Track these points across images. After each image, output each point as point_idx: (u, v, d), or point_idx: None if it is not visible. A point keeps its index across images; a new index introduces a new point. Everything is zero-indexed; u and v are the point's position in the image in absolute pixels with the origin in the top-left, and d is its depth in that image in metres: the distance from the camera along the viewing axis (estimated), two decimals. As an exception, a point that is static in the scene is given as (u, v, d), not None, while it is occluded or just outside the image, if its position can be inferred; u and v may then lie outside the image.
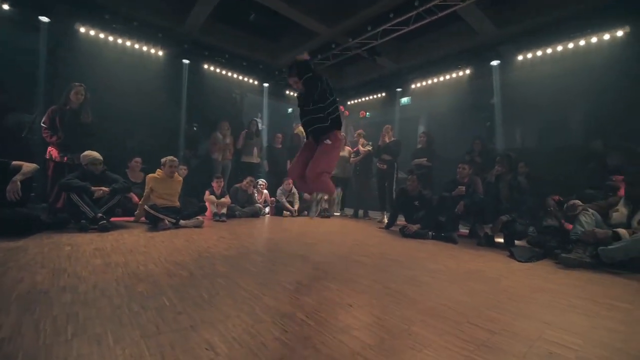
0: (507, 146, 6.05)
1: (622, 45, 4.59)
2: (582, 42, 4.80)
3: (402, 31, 5.03)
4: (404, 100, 7.79)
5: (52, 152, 3.86)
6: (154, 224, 3.79)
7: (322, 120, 2.71)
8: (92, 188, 3.45)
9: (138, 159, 4.88)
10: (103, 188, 3.54)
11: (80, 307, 1.40)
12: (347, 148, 6.44)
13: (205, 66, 6.50)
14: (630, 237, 2.64)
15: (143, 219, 4.08)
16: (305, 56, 2.67)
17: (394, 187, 5.78)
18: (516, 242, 3.70)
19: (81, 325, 1.24)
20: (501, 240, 3.78)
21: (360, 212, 6.40)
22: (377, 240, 3.79)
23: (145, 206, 3.82)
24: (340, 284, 1.94)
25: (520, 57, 5.42)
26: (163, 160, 4.13)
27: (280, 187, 6.11)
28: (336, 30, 5.59)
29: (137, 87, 5.59)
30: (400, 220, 4.74)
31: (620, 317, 1.62)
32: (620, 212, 2.96)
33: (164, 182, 4.10)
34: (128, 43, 5.50)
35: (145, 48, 5.70)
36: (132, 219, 4.24)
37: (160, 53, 5.87)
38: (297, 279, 2.01)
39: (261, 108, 7.81)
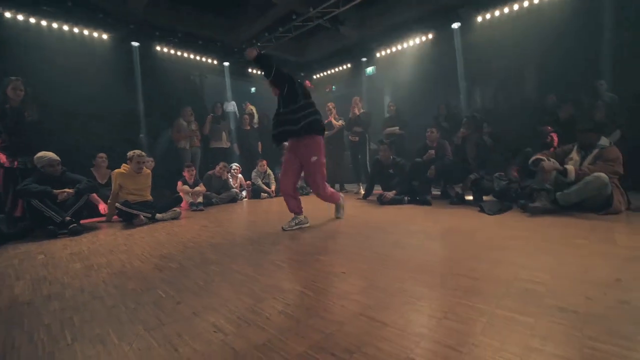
0: (469, 108, 6.31)
1: (570, 1, 4.82)
2: (535, 0, 4.97)
3: (363, -3, 4.93)
4: (369, 70, 7.78)
5: (0, 157, 3.51)
6: (129, 221, 3.64)
7: (292, 122, 2.69)
8: (55, 191, 3.22)
9: (102, 155, 4.53)
10: (67, 190, 3.31)
11: (72, 313, 1.36)
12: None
13: (158, 48, 6.05)
14: (582, 180, 2.93)
15: (116, 217, 3.90)
16: (253, 52, 2.57)
17: (367, 158, 5.90)
18: (484, 197, 3.98)
19: (78, 329, 1.21)
20: (471, 197, 4.05)
21: (337, 186, 6.51)
22: (357, 210, 3.91)
23: (117, 204, 3.64)
24: (331, 256, 2.02)
25: (479, 19, 5.54)
26: (130, 154, 3.90)
27: (255, 170, 6.03)
28: (295, 0, 5.37)
29: (85, 76, 5.10)
30: (377, 190, 4.90)
31: (579, 252, 1.83)
32: (574, 159, 3.25)
33: (132, 177, 3.90)
34: (65, 27, 4.95)
35: (86, 32, 5.17)
36: (102, 219, 4.04)
37: (105, 36, 5.36)
38: (288, 257, 2.05)
39: (223, 89, 7.47)
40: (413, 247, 2.10)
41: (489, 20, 5.48)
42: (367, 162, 5.80)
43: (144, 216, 3.66)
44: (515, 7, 5.15)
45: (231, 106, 7.23)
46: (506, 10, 5.25)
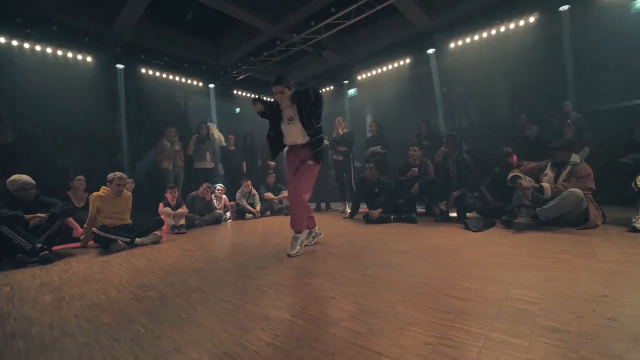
0: (447, 127, 6.58)
1: (533, 30, 5.21)
2: (502, 29, 5.33)
3: (345, 24, 5.14)
4: (351, 91, 8.00)
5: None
6: (106, 246, 3.46)
7: (317, 144, 2.73)
8: (26, 216, 3.03)
9: (81, 177, 4.34)
10: (39, 215, 3.13)
11: (39, 353, 1.24)
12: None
13: (143, 70, 6.02)
14: (559, 196, 3.04)
15: (91, 242, 3.70)
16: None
17: (352, 176, 5.94)
18: (468, 214, 4.05)
19: (45, 372, 1.10)
20: (455, 214, 4.11)
21: (322, 204, 6.48)
22: (344, 230, 3.88)
23: (94, 228, 3.46)
24: (319, 279, 1.96)
25: (452, 45, 5.85)
26: (110, 176, 3.76)
27: (239, 190, 5.93)
28: (280, 27, 5.52)
29: (67, 98, 4.99)
30: (363, 208, 4.90)
31: (564, 267, 1.87)
32: (548, 175, 3.38)
33: (112, 200, 3.74)
34: (49, 50, 4.86)
35: (70, 54, 5.09)
36: (77, 245, 3.82)
37: (89, 59, 5.30)
38: (274, 281, 1.98)
39: (209, 110, 7.46)
40: (402, 267, 2.08)
41: (461, 46, 5.81)
42: (352, 181, 5.83)
43: (122, 241, 3.48)
44: (484, 35, 5.50)
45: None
46: (476, 37, 5.60)
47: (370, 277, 1.92)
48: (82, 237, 3.79)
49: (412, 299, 1.53)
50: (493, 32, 5.43)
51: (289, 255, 2.61)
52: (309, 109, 2.64)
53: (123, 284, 2.11)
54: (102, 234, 3.39)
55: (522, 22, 5.17)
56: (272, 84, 2.74)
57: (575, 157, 3.29)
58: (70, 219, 3.93)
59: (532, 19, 5.08)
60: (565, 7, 4.84)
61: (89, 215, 3.70)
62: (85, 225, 3.76)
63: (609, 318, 1.22)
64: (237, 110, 9.75)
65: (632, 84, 5.13)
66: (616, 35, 5.03)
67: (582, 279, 1.66)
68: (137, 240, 3.62)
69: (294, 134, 2.77)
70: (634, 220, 2.74)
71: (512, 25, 5.25)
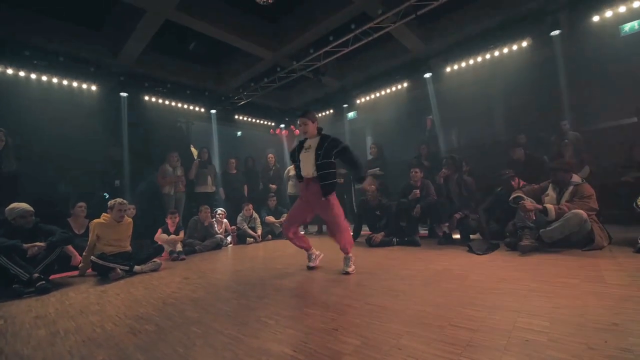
0: (447, 148, 6.64)
1: (526, 54, 5.37)
2: (496, 53, 5.49)
3: (343, 52, 5.30)
4: (351, 114, 8.13)
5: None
6: (104, 274, 3.40)
7: (326, 177, 2.81)
8: (24, 245, 3.01)
9: (82, 204, 4.34)
10: (37, 243, 3.10)
11: (29, 395, 1.19)
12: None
13: (146, 98, 6.18)
14: (562, 217, 3.01)
15: (89, 271, 3.64)
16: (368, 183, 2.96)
17: (353, 198, 5.93)
18: (471, 236, 4.00)
19: (34, 417, 1.05)
20: (458, 236, 4.06)
21: (324, 227, 6.42)
22: (347, 254, 3.81)
23: (92, 257, 3.42)
24: (321, 309, 1.91)
25: (448, 69, 6.02)
26: (111, 203, 3.76)
27: (240, 214, 5.90)
28: (280, 54, 5.71)
29: (70, 126, 5.10)
30: (365, 230, 4.85)
31: (572, 293, 1.82)
32: (550, 196, 3.37)
33: (112, 227, 3.72)
34: (55, 80, 5.03)
35: (75, 84, 5.25)
36: (75, 273, 3.76)
37: (94, 88, 5.46)
38: (275, 311, 1.93)
39: (210, 135, 7.59)
40: (406, 295, 2.03)
41: (457, 70, 5.97)
42: (353, 203, 5.82)
43: (120, 269, 3.43)
44: (479, 59, 5.66)
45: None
46: (471, 61, 5.76)
47: (373, 306, 1.87)
48: (80, 265, 3.74)
49: (417, 330, 1.48)
50: (487, 56, 5.59)
51: (347, 273, 2.75)
52: (330, 148, 2.82)
53: (120, 316, 2.06)
54: (100, 262, 3.35)
55: (515, 47, 5.33)
56: (299, 116, 2.97)
57: (576, 178, 3.29)
58: (70, 247, 3.89)
59: (524, 44, 5.25)
60: (556, 32, 5.00)
61: (88, 242, 3.67)
62: (84, 253, 3.71)
63: (622, 349, 1.17)
64: (239, 133, 9.90)
65: (625, 102, 5.23)
66: (607, 57, 5.17)
67: (591, 305, 1.61)
68: (136, 268, 3.57)
69: (308, 162, 2.86)
70: (639, 241, 2.70)
71: (505, 50, 5.41)
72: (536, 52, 5.31)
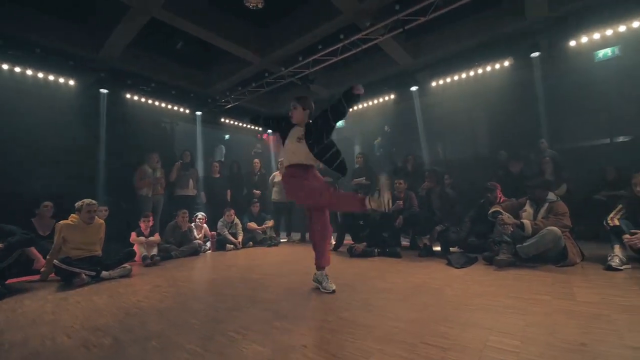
0: (431, 159, 6.75)
1: (508, 73, 5.55)
2: (480, 71, 5.65)
3: (332, 61, 5.32)
4: (339, 123, 8.15)
5: None
6: (68, 280, 3.20)
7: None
8: (-22, 247, 2.80)
9: (48, 204, 4.10)
10: (-6, 245, 2.90)
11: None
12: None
13: (128, 96, 5.99)
14: (538, 234, 3.05)
15: (53, 276, 3.43)
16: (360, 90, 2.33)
17: (338, 207, 5.89)
18: (451, 248, 4.01)
19: None
20: (439, 248, 4.07)
21: (307, 235, 6.34)
22: (326, 264, 3.74)
23: (55, 261, 3.22)
24: (292, 322, 1.83)
25: (434, 83, 6.14)
26: (78, 204, 3.57)
27: (221, 219, 5.75)
28: (268, 60, 5.68)
29: (43, 121, 4.87)
30: (348, 239, 4.81)
31: (544, 310, 1.81)
32: (528, 211, 3.43)
33: (81, 229, 3.52)
34: (29, 72, 4.81)
35: (52, 77, 5.04)
36: (37, 277, 3.53)
37: (72, 82, 5.25)
38: (244, 325, 1.83)
39: (194, 137, 7.44)
40: (381, 310, 1.98)
41: (442, 85, 6.11)
42: (338, 212, 5.77)
43: (86, 275, 3.23)
44: (464, 75, 5.82)
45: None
46: (456, 77, 5.91)
47: (347, 321, 1.81)
48: (42, 269, 3.51)
49: (388, 348, 1.43)
50: (472, 73, 5.74)
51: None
52: (321, 126, 2.49)
53: (76, 327, 1.92)
54: (63, 266, 3.15)
55: (497, 66, 5.49)
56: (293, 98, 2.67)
57: (552, 195, 3.36)
58: (32, 249, 3.65)
59: (506, 63, 5.42)
60: (536, 54, 5.19)
61: (53, 245, 3.46)
62: (47, 257, 3.49)
63: (591, 373, 1.15)
64: (227, 136, 9.76)
65: (598, 124, 5.46)
66: (583, 81, 5.40)
67: (562, 323, 1.61)
68: (104, 273, 3.39)
69: (302, 153, 2.55)
70: (609, 258, 2.76)
71: (489, 68, 5.58)
72: (517, 71, 5.49)
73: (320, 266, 2.57)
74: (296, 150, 2.58)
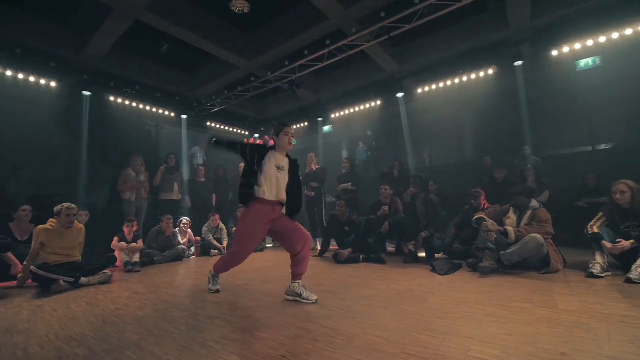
0: (417, 165, 6.82)
1: (492, 81, 5.68)
2: (464, 78, 5.76)
3: (318, 66, 5.34)
4: (326, 128, 8.18)
5: None
6: (46, 287, 3.08)
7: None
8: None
9: (26, 208, 3.97)
10: (-34, 251, 2.77)
11: None
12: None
13: (112, 98, 5.87)
14: (521, 241, 3.10)
15: (30, 282, 3.30)
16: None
17: (324, 212, 5.86)
18: (436, 255, 4.04)
19: None
20: (424, 254, 4.09)
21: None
22: (312, 270, 3.69)
23: (32, 267, 3.10)
24: (274, 331, 1.80)
25: (419, 90, 6.23)
26: (57, 208, 3.46)
27: (206, 224, 5.65)
28: (255, 64, 5.66)
29: (23, 123, 4.73)
30: (333, 245, 4.79)
31: (525, 318, 1.83)
32: (511, 218, 3.48)
33: (60, 234, 3.42)
34: (9, 73, 4.67)
35: (32, 79, 4.90)
36: (14, 283, 3.40)
37: (53, 84, 5.11)
38: (224, 334, 1.80)
39: (180, 140, 7.34)
40: (363, 317, 1.97)
41: (428, 91, 6.21)
42: (324, 217, 5.75)
43: (64, 281, 3.13)
44: (449, 82, 5.94)
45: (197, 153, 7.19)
46: (441, 84, 6.02)
47: (328, 329, 1.79)
48: (19, 275, 3.39)
49: (368, 359, 1.41)
50: (457, 80, 5.85)
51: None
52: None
53: (50, 337, 1.84)
54: (40, 272, 3.04)
55: (482, 74, 5.61)
56: (287, 126, 2.77)
57: (534, 202, 3.43)
58: (9, 254, 3.53)
59: (491, 71, 5.54)
60: (519, 63, 5.33)
61: (30, 250, 3.34)
62: (25, 262, 3.37)
63: (566, 382, 1.16)
64: (214, 140, 9.65)
65: (580, 132, 5.62)
66: (565, 89, 5.57)
67: (543, 332, 1.63)
68: (83, 280, 3.28)
69: (282, 185, 2.54)
70: (590, 266, 2.82)
71: (473, 76, 5.69)
72: (501, 79, 5.62)
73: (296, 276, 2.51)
74: (279, 180, 2.55)
